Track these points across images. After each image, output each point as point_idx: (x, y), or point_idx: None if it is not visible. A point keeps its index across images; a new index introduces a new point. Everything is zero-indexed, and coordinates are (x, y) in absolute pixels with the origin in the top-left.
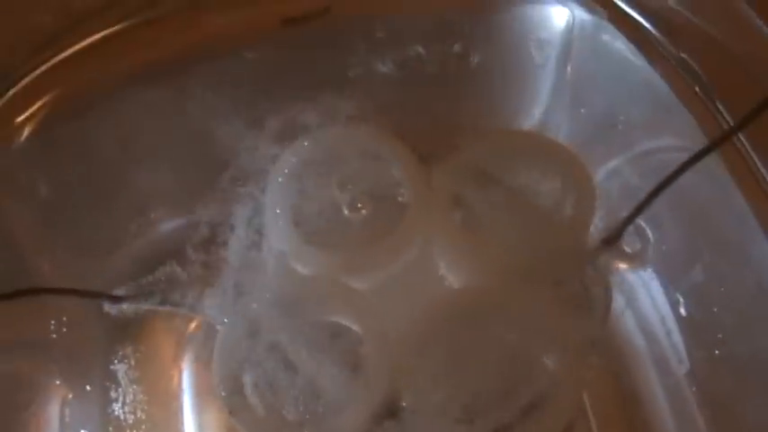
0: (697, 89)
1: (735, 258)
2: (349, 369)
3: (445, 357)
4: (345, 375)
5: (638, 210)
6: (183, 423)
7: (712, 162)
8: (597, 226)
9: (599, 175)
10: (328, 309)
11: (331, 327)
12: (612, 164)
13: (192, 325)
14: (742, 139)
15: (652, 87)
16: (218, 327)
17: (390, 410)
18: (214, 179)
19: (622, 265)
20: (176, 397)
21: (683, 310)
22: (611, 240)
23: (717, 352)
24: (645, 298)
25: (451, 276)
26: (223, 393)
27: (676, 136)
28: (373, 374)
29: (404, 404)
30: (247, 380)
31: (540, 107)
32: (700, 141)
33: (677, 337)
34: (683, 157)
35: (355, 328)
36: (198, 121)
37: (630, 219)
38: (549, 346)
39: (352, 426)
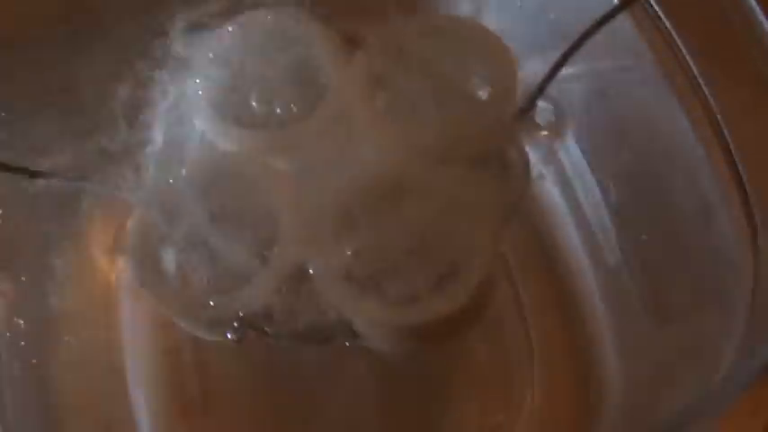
0: None
1: (654, 136)
2: (260, 240)
3: (358, 227)
4: (256, 246)
5: (552, 73)
6: (118, 314)
7: (629, 39)
8: None
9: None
10: (244, 183)
11: (245, 200)
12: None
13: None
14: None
15: None
16: (135, 203)
17: (298, 278)
18: (143, 59)
19: (543, 134)
20: (113, 288)
21: (613, 196)
22: (526, 109)
23: (644, 237)
24: (578, 185)
25: (374, 158)
26: (133, 265)
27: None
28: (284, 245)
29: (311, 271)
30: (160, 254)
31: None
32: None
33: (608, 224)
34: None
35: (270, 201)
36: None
37: (545, 83)
38: (463, 215)
39: (259, 295)
